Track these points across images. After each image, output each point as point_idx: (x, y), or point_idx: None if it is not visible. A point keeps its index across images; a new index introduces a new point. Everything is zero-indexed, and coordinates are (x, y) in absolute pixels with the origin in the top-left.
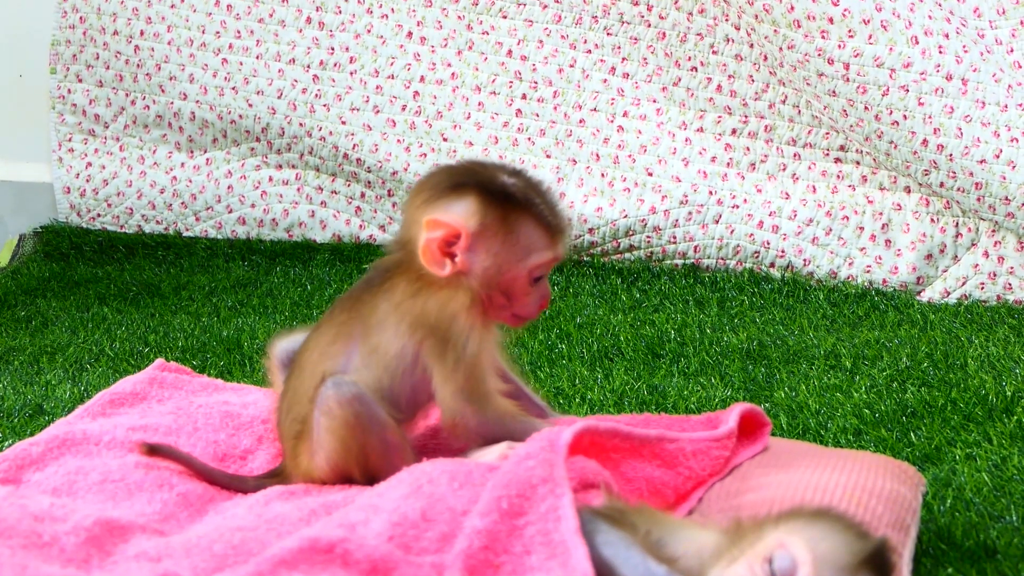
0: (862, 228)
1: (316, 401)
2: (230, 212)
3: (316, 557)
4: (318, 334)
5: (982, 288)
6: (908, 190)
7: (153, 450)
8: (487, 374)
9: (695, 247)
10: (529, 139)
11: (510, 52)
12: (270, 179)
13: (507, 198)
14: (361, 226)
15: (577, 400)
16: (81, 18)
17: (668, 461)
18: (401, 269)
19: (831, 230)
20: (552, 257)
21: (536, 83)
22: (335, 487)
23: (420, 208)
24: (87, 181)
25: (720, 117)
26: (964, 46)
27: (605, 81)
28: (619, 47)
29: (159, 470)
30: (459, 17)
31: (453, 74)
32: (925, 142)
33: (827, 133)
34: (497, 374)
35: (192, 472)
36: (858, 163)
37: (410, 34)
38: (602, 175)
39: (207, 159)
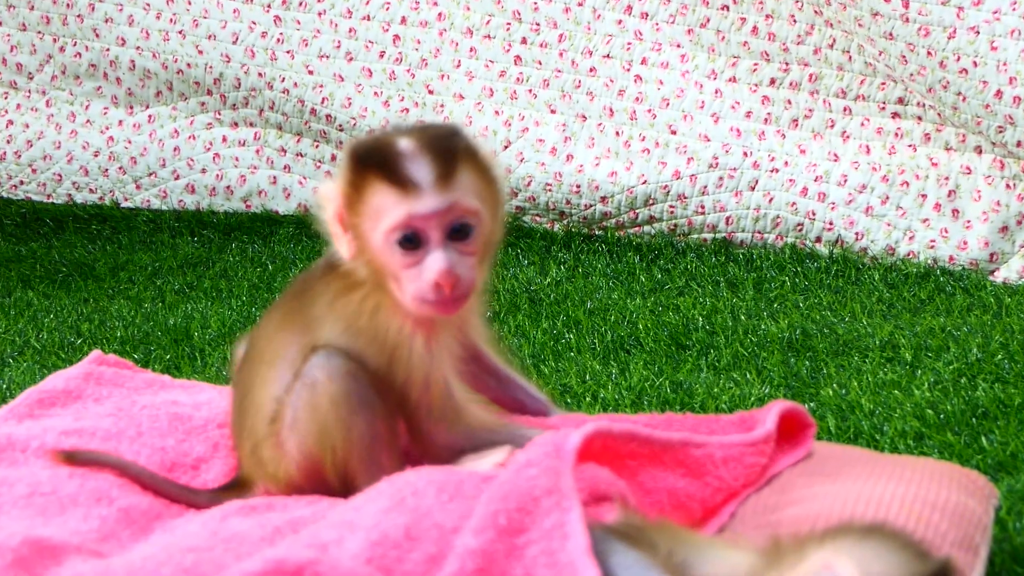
0: (925, 196)
1: (301, 374)
2: (177, 179)
3: None
4: (268, 319)
5: None
6: (979, 150)
7: (71, 458)
8: (448, 385)
9: (727, 218)
10: (530, 91)
11: None
12: (224, 139)
13: (364, 160)
14: None
15: (588, 399)
16: None
17: (694, 469)
18: (338, 273)
19: (888, 198)
20: (405, 214)
21: (538, 25)
22: (302, 500)
23: None
24: (7, 142)
25: (756, 64)
26: None
27: (620, 22)
28: None
29: (96, 481)
30: None
31: (440, 14)
32: (999, 93)
33: (883, 83)
34: (462, 378)
35: (133, 482)
36: (920, 119)
37: None
38: (617, 134)
39: (149, 116)
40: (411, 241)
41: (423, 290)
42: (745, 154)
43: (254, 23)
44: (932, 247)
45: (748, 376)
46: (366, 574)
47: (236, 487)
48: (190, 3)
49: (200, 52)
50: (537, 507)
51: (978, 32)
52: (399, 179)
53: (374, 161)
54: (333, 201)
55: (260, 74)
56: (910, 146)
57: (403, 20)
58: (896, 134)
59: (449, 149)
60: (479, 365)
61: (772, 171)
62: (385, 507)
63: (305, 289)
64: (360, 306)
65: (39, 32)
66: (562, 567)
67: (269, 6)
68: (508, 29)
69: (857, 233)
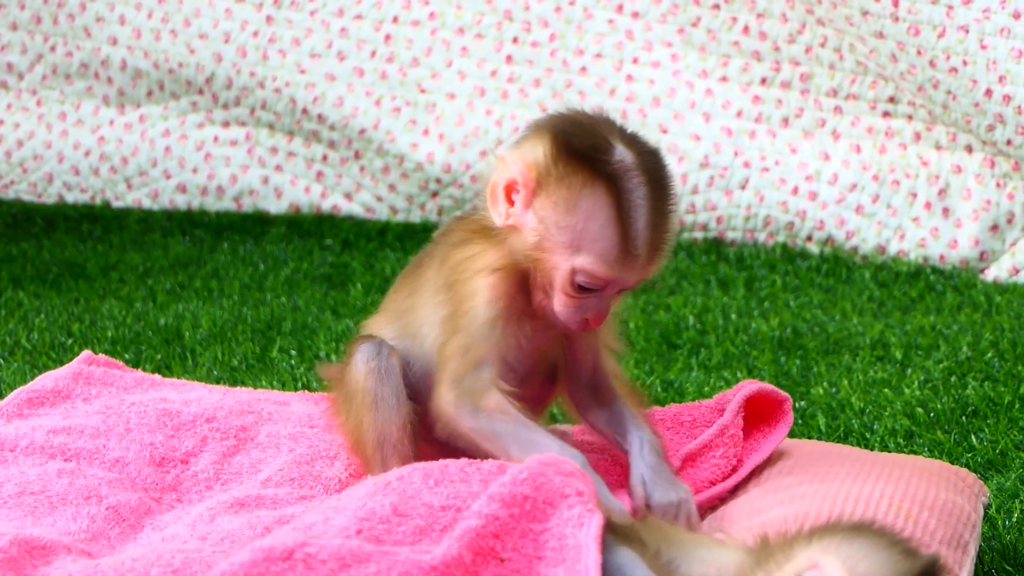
0: (915, 194)
1: (351, 354)
2: (168, 178)
3: (272, 568)
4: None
5: None
6: (969, 149)
7: None
8: (485, 363)
9: (718, 218)
10: (521, 90)
11: None
12: (215, 139)
13: (587, 158)
14: (323, 194)
15: None
16: None
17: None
18: (468, 220)
19: (879, 197)
20: (611, 276)
21: (529, 24)
22: (294, 495)
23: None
24: None
25: (747, 64)
26: None
27: (611, 21)
28: None
29: (86, 479)
30: None
31: (432, 13)
32: (989, 92)
33: (874, 82)
34: (511, 369)
35: None
36: (910, 117)
37: None
38: None
39: (140, 115)
40: (589, 289)
41: (572, 319)
42: (736, 153)
43: (245, 22)
44: (923, 246)
45: (739, 375)
46: (356, 547)
47: None
48: (181, 2)
49: (191, 51)
50: (563, 501)
51: (968, 31)
52: (626, 239)
53: (607, 186)
54: (514, 172)
55: (252, 73)
56: (901, 145)
57: (395, 19)
58: (887, 133)
59: (673, 216)
60: (596, 395)
61: (763, 170)
62: (371, 491)
63: (418, 263)
64: (467, 258)
65: (30, 31)
66: (569, 550)
67: (261, 5)
68: (499, 28)
69: (848, 232)
